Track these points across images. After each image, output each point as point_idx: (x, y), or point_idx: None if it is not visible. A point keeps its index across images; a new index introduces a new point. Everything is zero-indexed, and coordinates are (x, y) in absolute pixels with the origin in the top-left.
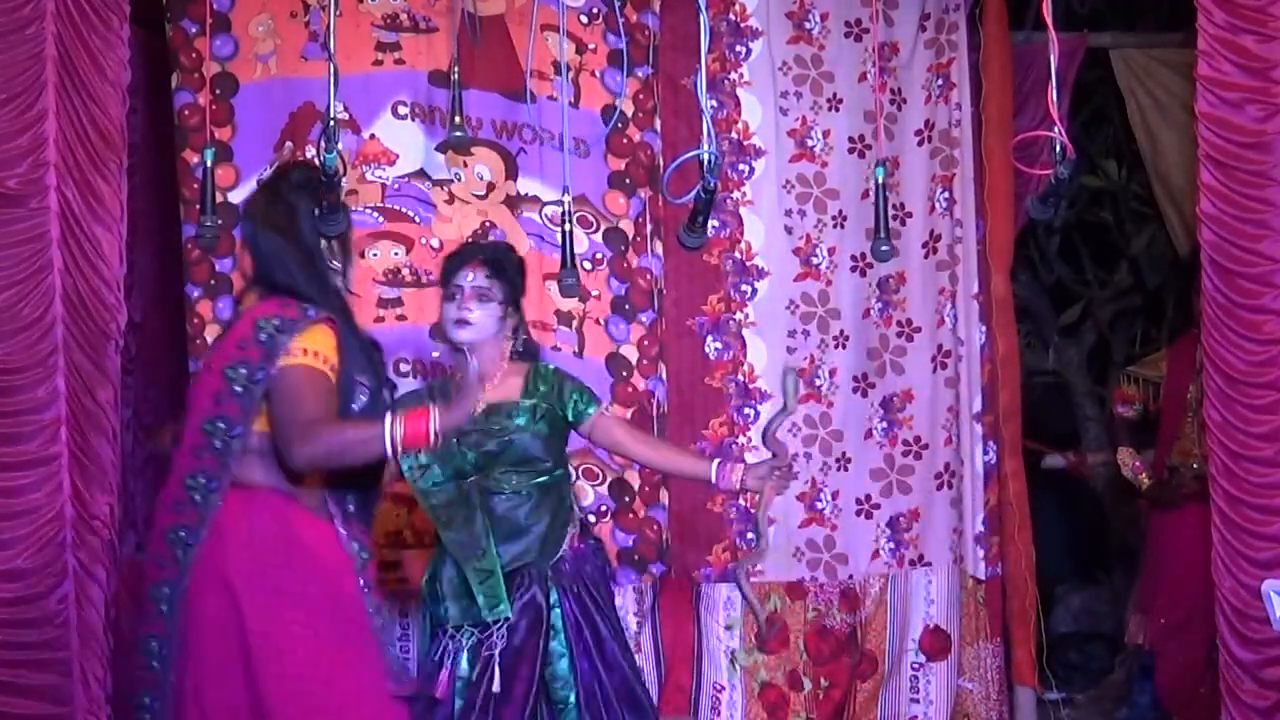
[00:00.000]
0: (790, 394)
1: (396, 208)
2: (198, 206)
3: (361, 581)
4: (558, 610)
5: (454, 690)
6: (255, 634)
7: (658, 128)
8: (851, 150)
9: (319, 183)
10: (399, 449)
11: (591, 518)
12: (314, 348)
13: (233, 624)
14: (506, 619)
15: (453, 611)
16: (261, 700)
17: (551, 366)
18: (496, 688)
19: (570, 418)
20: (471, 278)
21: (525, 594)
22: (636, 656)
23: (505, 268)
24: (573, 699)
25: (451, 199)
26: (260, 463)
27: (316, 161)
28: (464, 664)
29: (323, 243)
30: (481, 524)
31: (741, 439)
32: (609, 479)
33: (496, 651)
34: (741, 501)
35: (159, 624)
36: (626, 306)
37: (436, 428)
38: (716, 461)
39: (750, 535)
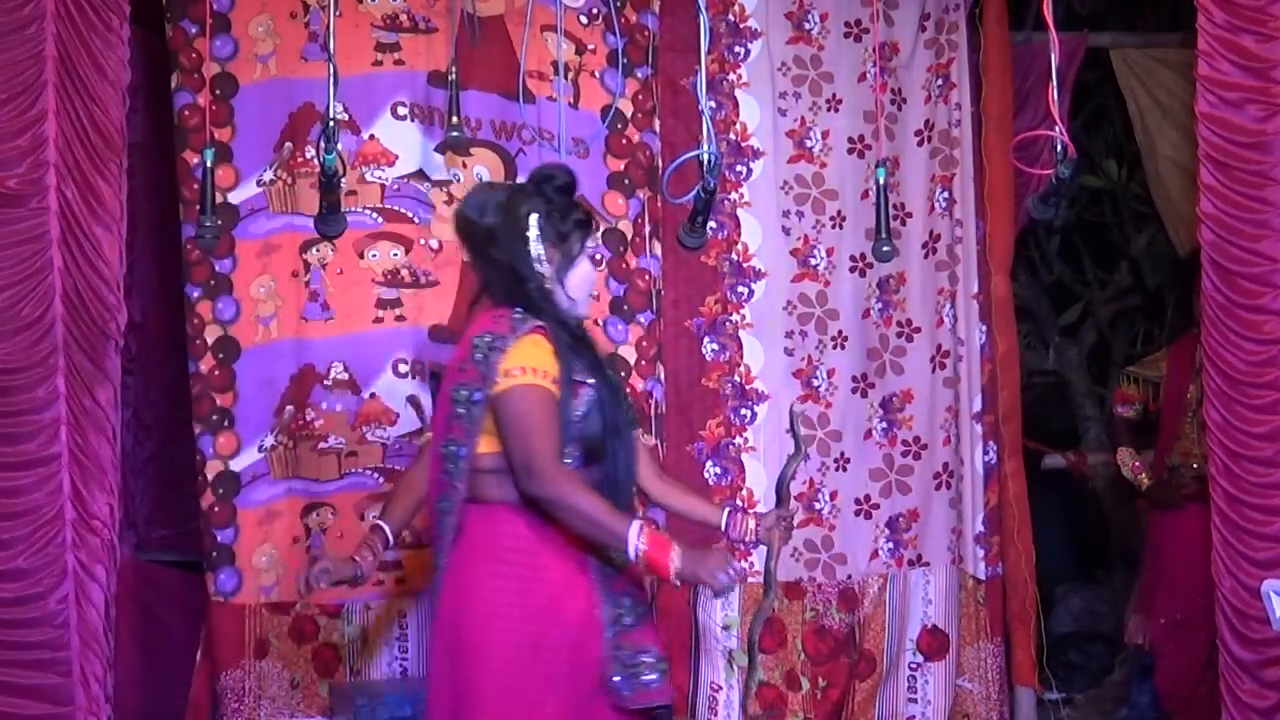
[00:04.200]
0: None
1: (396, 208)
2: (197, 207)
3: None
4: None
5: None
6: (467, 644)
7: (657, 128)
8: (851, 151)
9: (550, 182)
10: (639, 560)
11: None
12: (529, 364)
13: (447, 630)
14: None
15: None
16: (459, 698)
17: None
18: None
19: None
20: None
21: None
22: None
23: None
24: None
25: (451, 200)
26: (496, 480)
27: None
28: None
29: (535, 248)
30: None
31: (739, 439)
32: None
33: None
34: (739, 501)
35: None
36: (625, 307)
37: (676, 569)
38: (727, 510)
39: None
